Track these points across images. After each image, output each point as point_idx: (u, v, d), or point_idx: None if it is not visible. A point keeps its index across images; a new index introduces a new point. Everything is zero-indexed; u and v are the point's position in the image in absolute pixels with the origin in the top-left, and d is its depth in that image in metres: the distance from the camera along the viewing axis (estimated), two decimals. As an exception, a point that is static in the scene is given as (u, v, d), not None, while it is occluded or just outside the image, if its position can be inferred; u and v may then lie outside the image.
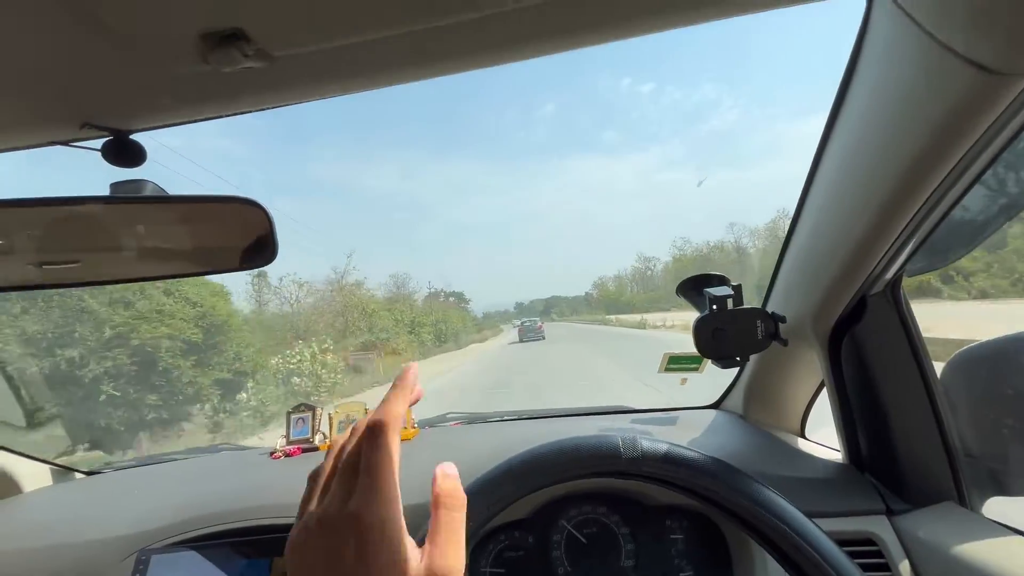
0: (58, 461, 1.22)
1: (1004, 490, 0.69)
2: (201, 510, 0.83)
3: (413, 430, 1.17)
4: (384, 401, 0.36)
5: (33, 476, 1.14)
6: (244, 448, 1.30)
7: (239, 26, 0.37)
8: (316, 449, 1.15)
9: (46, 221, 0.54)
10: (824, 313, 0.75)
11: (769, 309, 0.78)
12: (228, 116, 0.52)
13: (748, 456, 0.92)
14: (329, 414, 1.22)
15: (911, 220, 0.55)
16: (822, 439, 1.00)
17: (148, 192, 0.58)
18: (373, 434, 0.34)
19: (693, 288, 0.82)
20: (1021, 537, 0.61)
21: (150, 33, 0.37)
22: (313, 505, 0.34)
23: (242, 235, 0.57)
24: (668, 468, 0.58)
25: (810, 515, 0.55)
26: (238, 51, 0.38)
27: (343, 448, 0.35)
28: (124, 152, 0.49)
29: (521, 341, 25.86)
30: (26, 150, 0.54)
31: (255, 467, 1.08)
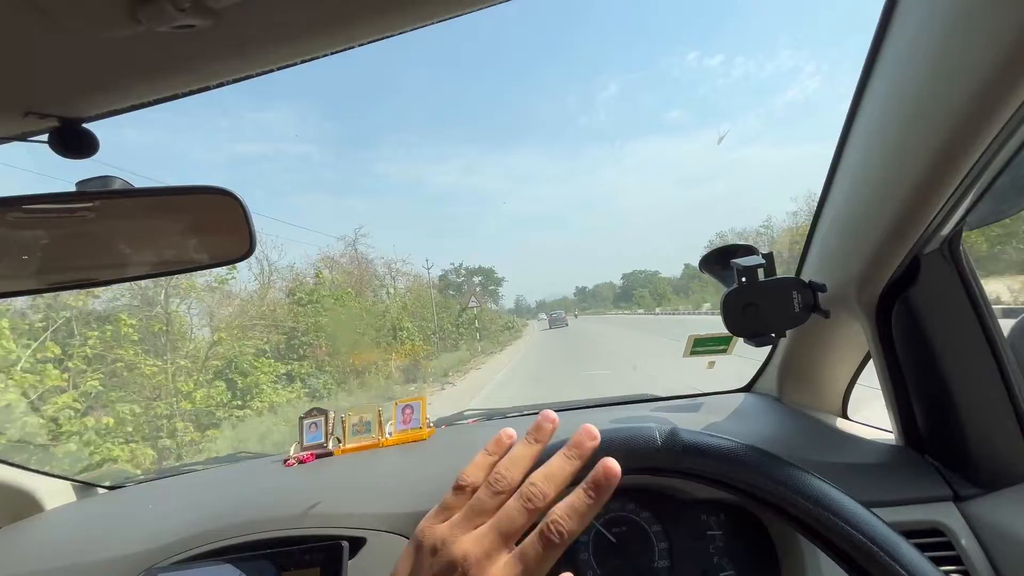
0: (80, 477, 1.21)
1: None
2: (210, 524, 0.80)
3: (429, 430, 1.12)
4: (568, 504, 0.35)
5: (54, 493, 1.13)
6: (260, 456, 1.28)
7: None
8: (330, 454, 1.11)
9: (8, 223, 0.50)
10: (870, 278, 0.66)
11: (804, 278, 0.70)
12: (187, 94, 0.47)
13: (788, 442, 0.84)
14: (342, 417, 1.18)
15: (977, 161, 0.46)
16: (866, 420, 0.92)
17: (117, 187, 0.54)
18: (546, 538, 0.33)
19: (718, 261, 0.75)
20: None
21: None
22: (454, 523, 0.34)
23: (216, 229, 0.53)
24: (703, 463, 0.51)
25: (866, 505, 0.48)
26: (171, 5, 0.33)
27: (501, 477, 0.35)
28: (74, 141, 0.44)
29: (551, 328, 32.50)
30: None
31: (267, 476, 1.06)
